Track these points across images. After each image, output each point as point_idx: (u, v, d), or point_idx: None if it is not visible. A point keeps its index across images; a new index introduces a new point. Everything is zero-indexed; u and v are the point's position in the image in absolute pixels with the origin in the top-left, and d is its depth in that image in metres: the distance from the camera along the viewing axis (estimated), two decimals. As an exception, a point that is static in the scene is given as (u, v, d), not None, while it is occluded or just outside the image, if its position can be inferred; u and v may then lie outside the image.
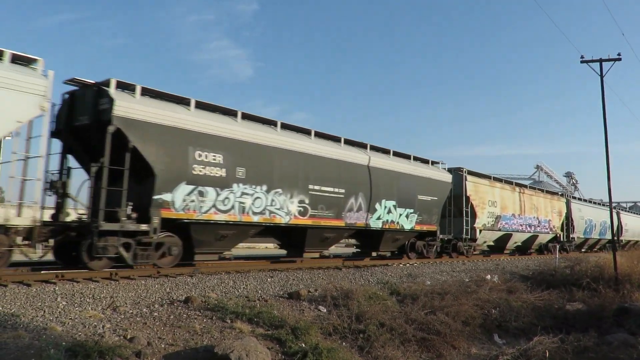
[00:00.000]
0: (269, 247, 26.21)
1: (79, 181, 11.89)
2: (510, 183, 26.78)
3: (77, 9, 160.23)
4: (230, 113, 13.31)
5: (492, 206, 23.50)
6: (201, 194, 11.98)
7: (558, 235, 30.81)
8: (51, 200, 11.64)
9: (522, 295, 13.74)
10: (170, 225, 11.68)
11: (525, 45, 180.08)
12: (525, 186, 29.50)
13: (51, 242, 11.06)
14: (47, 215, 11.39)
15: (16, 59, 9.91)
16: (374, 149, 17.80)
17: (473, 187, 22.36)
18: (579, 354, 10.26)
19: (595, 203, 42.49)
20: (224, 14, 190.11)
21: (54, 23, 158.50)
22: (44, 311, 7.48)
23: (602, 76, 19.67)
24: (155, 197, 11.21)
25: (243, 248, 24.80)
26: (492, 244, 25.89)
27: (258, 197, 13.19)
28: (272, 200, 13.57)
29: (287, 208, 13.96)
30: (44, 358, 5.28)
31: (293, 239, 15.17)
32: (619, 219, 39.14)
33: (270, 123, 14.33)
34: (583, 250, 36.76)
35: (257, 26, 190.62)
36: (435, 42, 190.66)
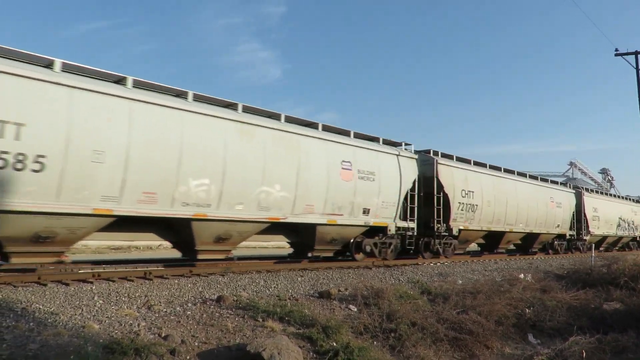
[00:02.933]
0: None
1: None
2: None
3: (109, 16, 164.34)
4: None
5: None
6: None
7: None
8: None
9: (556, 295, 13.43)
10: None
11: (556, 37, 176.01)
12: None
13: None
14: None
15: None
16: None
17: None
18: (617, 355, 9.99)
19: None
20: (252, 17, 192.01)
21: (87, 30, 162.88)
22: (82, 309, 7.67)
23: (638, 69, 19.10)
24: None
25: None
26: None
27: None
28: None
29: None
30: (82, 355, 5.43)
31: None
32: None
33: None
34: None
35: (285, 28, 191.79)
36: (461, 37, 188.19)
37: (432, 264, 17.02)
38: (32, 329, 6.50)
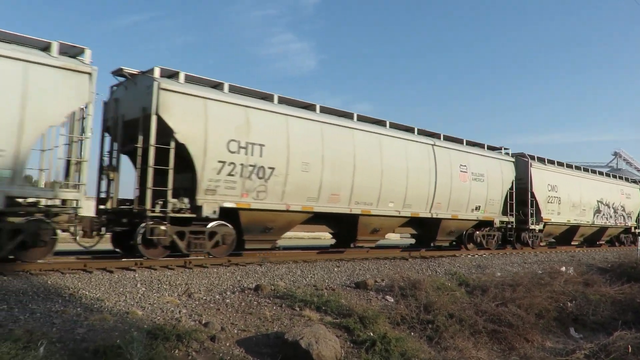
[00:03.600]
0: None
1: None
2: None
3: (148, 9, 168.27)
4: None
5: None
6: None
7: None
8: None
9: (600, 289, 13.06)
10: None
11: (602, 24, 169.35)
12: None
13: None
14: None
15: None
16: None
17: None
18: (665, 351, 9.64)
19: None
20: (287, 8, 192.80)
21: (128, 23, 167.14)
22: (126, 296, 7.92)
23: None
24: None
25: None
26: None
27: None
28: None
29: None
30: (127, 340, 5.59)
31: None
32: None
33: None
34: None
35: (319, 18, 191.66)
36: (500, 24, 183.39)
37: (469, 256, 16.75)
38: (80, 314, 6.76)
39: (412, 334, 8.57)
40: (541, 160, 21.87)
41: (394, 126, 15.88)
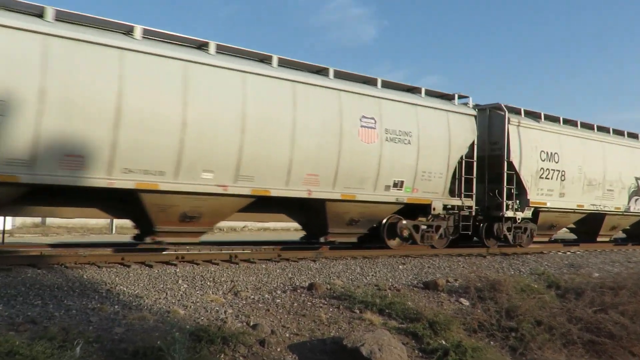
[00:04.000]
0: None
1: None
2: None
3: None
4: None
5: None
6: None
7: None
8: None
9: None
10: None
11: None
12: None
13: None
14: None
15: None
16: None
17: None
18: None
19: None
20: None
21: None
22: (166, 293, 8.14)
23: None
24: None
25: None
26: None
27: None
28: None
29: None
30: (169, 341, 5.72)
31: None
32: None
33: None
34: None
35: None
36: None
37: (559, 253, 16.16)
38: (117, 311, 6.99)
39: (492, 343, 8.36)
40: (531, 115, 16.67)
41: (224, 50, 11.38)
